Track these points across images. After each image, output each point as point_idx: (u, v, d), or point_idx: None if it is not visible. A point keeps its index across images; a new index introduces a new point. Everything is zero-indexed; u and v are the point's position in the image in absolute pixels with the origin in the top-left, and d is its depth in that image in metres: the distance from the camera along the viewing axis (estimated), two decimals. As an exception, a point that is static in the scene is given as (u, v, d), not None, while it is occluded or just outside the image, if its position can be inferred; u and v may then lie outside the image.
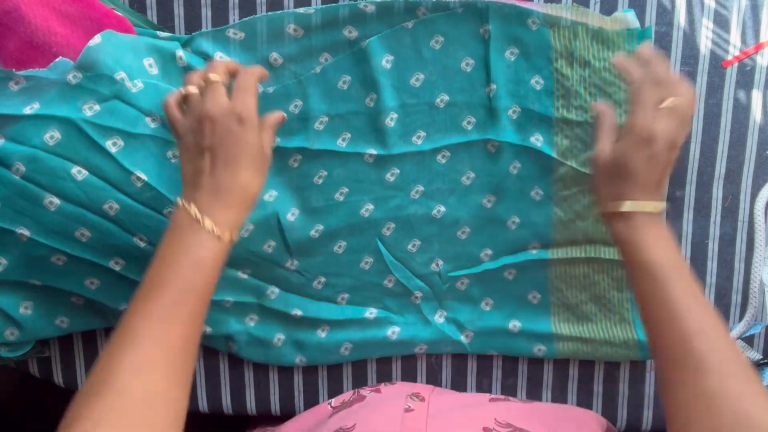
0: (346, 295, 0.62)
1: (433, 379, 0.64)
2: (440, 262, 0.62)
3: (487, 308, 0.63)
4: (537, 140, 0.58)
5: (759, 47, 0.59)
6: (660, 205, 0.49)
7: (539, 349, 0.62)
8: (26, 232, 0.51)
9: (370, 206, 0.60)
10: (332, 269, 0.61)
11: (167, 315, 0.43)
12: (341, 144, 0.58)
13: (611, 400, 0.64)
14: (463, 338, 0.63)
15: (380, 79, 0.57)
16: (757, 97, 0.59)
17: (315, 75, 0.57)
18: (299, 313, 0.61)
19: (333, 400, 0.59)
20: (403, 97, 0.58)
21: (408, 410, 0.48)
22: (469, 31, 0.56)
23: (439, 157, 0.59)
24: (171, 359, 0.42)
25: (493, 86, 0.57)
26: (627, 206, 0.49)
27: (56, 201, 0.50)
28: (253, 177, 0.48)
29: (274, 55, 0.57)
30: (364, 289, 0.62)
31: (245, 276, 0.59)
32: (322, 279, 0.61)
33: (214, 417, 0.67)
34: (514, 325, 0.62)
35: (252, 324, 0.62)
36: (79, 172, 0.50)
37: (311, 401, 0.65)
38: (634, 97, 0.50)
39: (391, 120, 0.58)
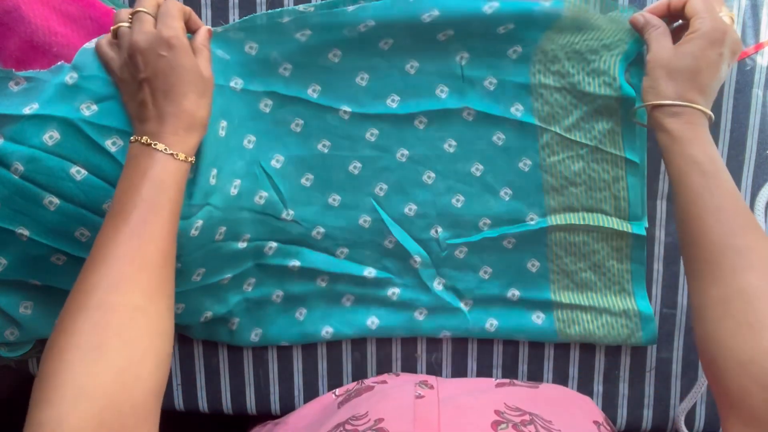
0: (345, 250, 0.62)
1: (433, 379, 0.65)
2: (439, 229, 0.62)
3: (486, 276, 0.63)
4: (517, 110, 0.59)
5: (759, 47, 0.59)
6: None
7: (538, 316, 0.62)
8: (26, 232, 0.51)
9: (358, 164, 0.60)
10: (330, 221, 0.61)
11: (137, 232, 0.43)
12: (312, 94, 0.58)
13: (611, 400, 0.64)
14: (462, 305, 0.63)
15: (346, 36, 0.56)
16: (757, 97, 0.59)
17: (278, 23, 0.56)
18: (297, 264, 0.61)
19: (337, 390, 0.59)
20: (371, 60, 0.58)
21: (419, 397, 0.48)
22: (470, 9, 0.55)
23: (416, 122, 0.60)
24: (148, 275, 0.42)
25: (465, 54, 0.57)
26: (694, 105, 0.50)
27: (56, 201, 0.50)
28: (196, 102, 0.48)
29: (274, 53, 0.57)
30: (363, 246, 0.62)
31: (244, 245, 0.59)
32: (321, 229, 0.62)
33: (214, 417, 0.67)
34: (513, 293, 0.62)
35: (249, 289, 0.62)
36: (78, 172, 0.50)
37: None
38: (700, 5, 0.51)
39: (362, 79, 0.58)
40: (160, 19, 0.48)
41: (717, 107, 0.59)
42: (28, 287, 0.56)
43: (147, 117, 0.47)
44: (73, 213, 0.51)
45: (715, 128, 0.60)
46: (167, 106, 0.47)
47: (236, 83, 0.57)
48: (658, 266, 0.62)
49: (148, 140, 0.46)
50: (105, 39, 0.49)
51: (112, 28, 0.49)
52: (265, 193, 0.59)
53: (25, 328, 0.56)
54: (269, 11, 0.56)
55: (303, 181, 0.60)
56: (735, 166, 0.60)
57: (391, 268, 0.63)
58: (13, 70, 0.49)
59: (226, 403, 0.65)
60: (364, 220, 0.62)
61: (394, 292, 0.63)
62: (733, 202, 0.46)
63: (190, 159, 0.47)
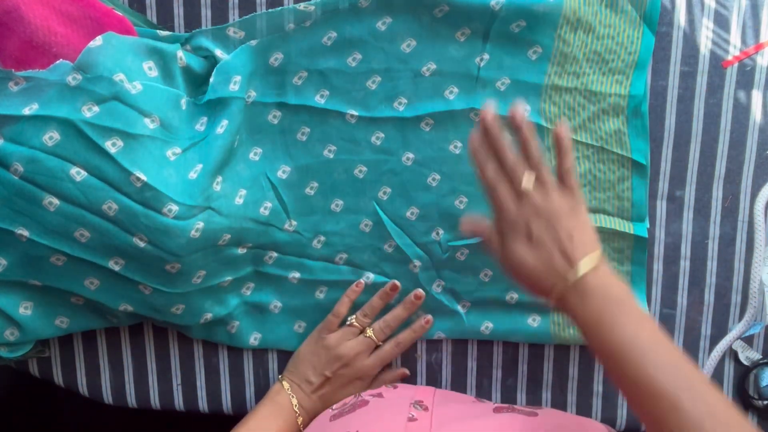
0: (345, 255, 0.62)
1: (433, 379, 0.64)
2: (441, 231, 0.62)
3: (486, 279, 0.63)
4: (524, 111, 0.59)
5: (759, 47, 0.59)
6: (582, 266, 0.45)
7: (534, 319, 0.62)
8: (26, 233, 0.51)
9: (364, 168, 0.60)
10: (331, 227, 0.61)
11: None
12: (319, 100, 0.59)
13: (611, 400, 0.64)
14: (459, 307, 0.63)
15: (370, 39, 0.57)
16: (757, 97, 0.59)
17: (303, 28, 0.57)
18: (296, 275, 0.62)
19: None
20: (390, 61, 0.58)
21: (411, 419, 0.48)
22: (478, 2, 0.56)
23: (422, 124, 0.60)
24: None
25: (486, 56, 0.58)
26: (547, 300, 0.47)
27: (55, 201, 0.50)
28: (348, 394, 0.59)
29: (297, 62, 0.58)
30: (363, 251, 0.62)
31: (244, 251, 0.59)
32: (322, 238, 0.62)
33: (214, 417, 0.67)
34: (512, 297, 0.62)
35: (248, 293, 0.62)
36: (77, 173, 0.50)
37: (311, 401, 0.65)
38: (489, 198, 0.49)
39: (373, 83, 0.58)
40: (375, 357, 0.60)
41: (717, 107, 0.59)
42: (28, 287, 0.56)
43: (305, 392, 0.59)
44: (72, 214, 0.51)
45: (715, 128, 0.60)
46: (320, 401, 0.59)
47: (249, 96, 0.57)
48: (658, 266, 0.62)
49: (298, 409, 0.58)
50: (337, 319, 0.62)
51: (341, 318, 0.61)
52: (269, 204, 0.59)
53: (25, 329, 0.56)
54: (269, 11, 0.56)
55: (307, 190, 0.60)
56: (735, 166, 0.60)
57: (390, 273, 0.63)
58: (13, 70, 0.49)
59: (226, 403, 0.65)
60: (365, 224, 0.61)
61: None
62: (655, 377, 0.40)
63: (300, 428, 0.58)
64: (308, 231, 0.61)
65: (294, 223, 0.61)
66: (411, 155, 0.60)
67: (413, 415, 0.49)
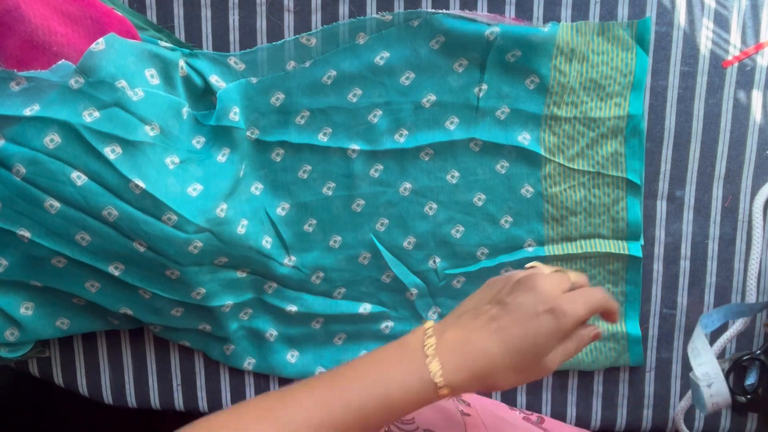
0: (343, 290, 0.62)
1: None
2: (437, 259, 0.62)
3: None
4: (524, 139, 0.59)
5: (759, 47, 0.59)
6: None
7: None
8: (27, 234, 0.51)
9: (361, 201, 0.60)
10: (330, 263, 0.61)
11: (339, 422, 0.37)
12: (322, 138, 0.59)
13: (611, 400, 0.64)
14: None
15: (369, 75, 0.57)
16: (757, 97, 0.59)
17: (302, 69, 0.57)
18: (294, 308, 0.62)
19: None
20: (390, 95, 0.58)
21: (464, 414, 0.46)
22: (473, 32, 0.56)
23: (422, 155, 0.60)
24: None
25: (484, 86, 0.58)
26: None
27: (57, 204, 0.50)
28: (509, 372, 0.38)
29: (298, 102, 0.58)
30: (361, 283, 0.62)
31: (243, 275, 0.59)
32: (321, 274, 0.62)
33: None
34: None
35: (246, 318, 0.62)
36: (78, 177, 0.50)
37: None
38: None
39: (374, 116, 0.58)
40: (580, 292, 0.40)
41: (717, 107, 0.59)
42: (29, 288, 0.56)
43: (460, 326, 0.39)
44: (73, 217, 0.51)
45: (715, 128, 0.60)
46: (486, 340, 0.38)
47: (252, 132, 0.58)
48: (658, 266, 0.62)
49: (430, 350, 0.38)
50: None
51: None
52: (270, 239, 0.60)
53: (25, 329, 0.57)
54: (271, 44, 0.57)
55: (306, 227, 0.61)
56: (735, 166, 0.60)
57: (387, 302, 0.63)
58: (15, 70, 0.49)
59: (226, 403, 0.65)
60: (364, 256, 0.62)
61: (387, 325, 0.63)
62: None
63: (447, 395, 0.38)
64: (307, 267, 0.61)
65: (293, 258, 0.61)
66: (409, 185, 0.60)
67: (464, 411, 0.47)
